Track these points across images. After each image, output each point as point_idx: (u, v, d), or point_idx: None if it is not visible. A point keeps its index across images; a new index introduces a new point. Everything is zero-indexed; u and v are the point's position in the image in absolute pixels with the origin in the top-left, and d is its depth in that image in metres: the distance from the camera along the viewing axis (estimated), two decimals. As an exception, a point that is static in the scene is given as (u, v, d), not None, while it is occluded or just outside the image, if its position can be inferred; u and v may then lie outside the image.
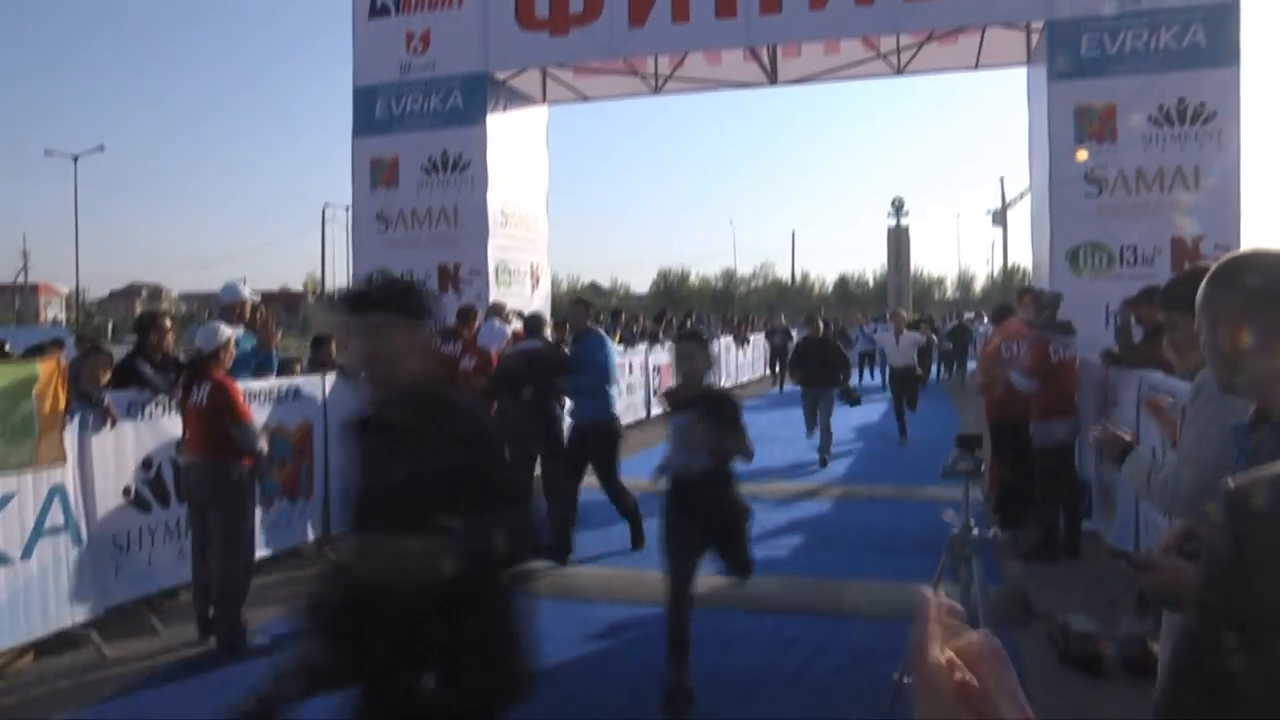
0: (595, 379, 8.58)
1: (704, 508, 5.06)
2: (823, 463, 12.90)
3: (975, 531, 3.58)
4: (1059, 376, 7.96)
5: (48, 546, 6.09)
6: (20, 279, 73.59)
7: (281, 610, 6.97)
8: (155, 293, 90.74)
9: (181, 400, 6.49)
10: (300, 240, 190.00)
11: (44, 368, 6.00)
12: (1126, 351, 7.48)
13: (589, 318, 9.60)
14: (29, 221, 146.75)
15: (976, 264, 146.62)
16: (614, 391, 8.84)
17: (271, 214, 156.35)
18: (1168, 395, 5.84)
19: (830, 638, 6.26)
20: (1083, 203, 9.50)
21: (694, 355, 5.16)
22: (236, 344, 6.88)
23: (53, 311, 75.39)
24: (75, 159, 58.64)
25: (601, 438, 8.63)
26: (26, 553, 5.97)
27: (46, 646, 6.12)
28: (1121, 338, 7.71)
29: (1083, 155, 9.50)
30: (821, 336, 13.90)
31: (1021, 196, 60.13)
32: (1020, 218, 62.25)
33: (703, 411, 4.85)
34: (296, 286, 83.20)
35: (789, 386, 20.86)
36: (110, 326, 59.52)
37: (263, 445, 6.35)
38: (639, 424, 17.42)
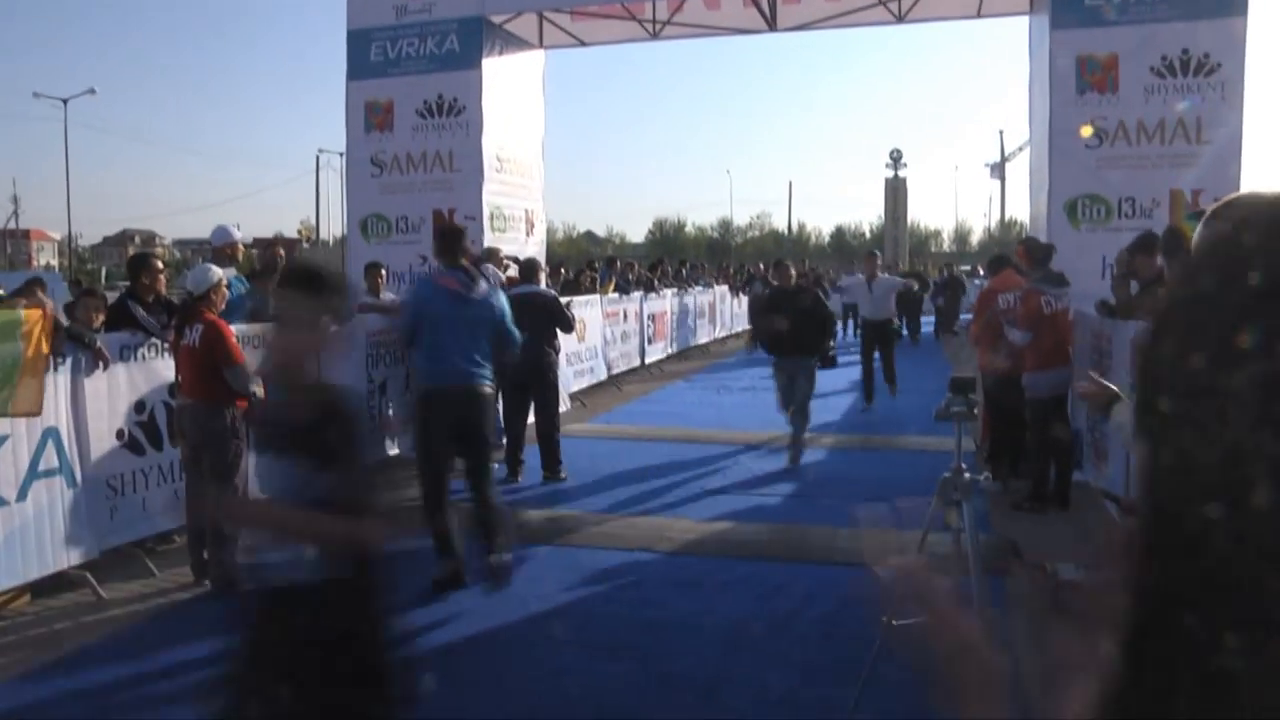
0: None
1: None
2: (793, 460, 9.80)
3: (967, 475, 3.58)
4: (1052, 328, 7.95)
5: (42, 488, 6.11)
6: (11, 225, 73.12)
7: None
8: (149, 239, 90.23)
9: (174, 342, 6.47)
10: (295, 187, 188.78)
11: (29, 315, 5.96)
12: (1123, 303, 7.47)
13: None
14: (19, 167, 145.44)
15: (974, 217, 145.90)
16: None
17: (266, 160, 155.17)
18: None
19: (820, 585, 6.30)
20: (1082, 154, 9.45)
21: None
22: (229, 286, 6.86)
23: (45, 257, 75.07)
24: (65, 102, 57.96)
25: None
26: (21, 495, 5.99)
27: (43, 588, 6.16)
28: (1118, 289, 7.70)
29: (1087, 131, 9.42)
30: (796, 287, 10.55)
31: (1021, 149, 59.90)
32: (1019, 171, 62.02)
33: None
34: (291, 233, 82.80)
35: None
36: (104, 272, 59.28)
37: (256, 387, 6.33)
38: (632, 371, 17.46)
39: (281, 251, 9.95)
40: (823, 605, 5.95)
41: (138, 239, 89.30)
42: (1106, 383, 3.21)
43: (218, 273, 6.48)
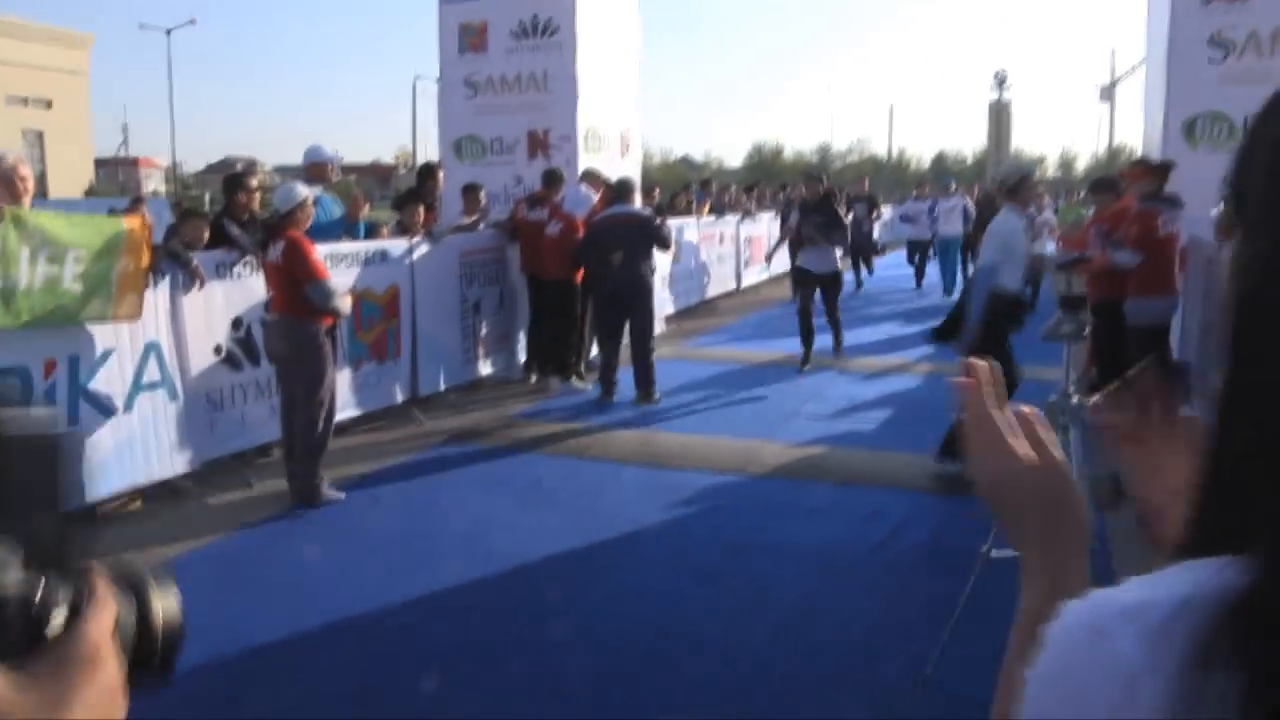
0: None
1: None
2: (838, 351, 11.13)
3: (1075, 399, 3.40)
4: (1161, 251, 7.55)
5: (146, 400, 6.27)
6: (122, 153, 75.18)
7: (368, 468, 7.11)
8: (250, 166, 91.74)
9: (262, 259, 6.53)
10: (392, 114, 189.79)
11: (128, 223, 6.06)
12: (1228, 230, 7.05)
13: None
14: (128, 96, 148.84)
15: (1080, 143, 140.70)
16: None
17: (364, 88, 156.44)
18: None
19: (914, 513, 6.17)
20: (1204, 69, 8.88)
21: None
22: (318, 204, 6.89)
23: (153, 184, 76.86)
24: (168, 33, 59.24)
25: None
26: (128, 405, 6.16)
27: (152, 495, 6.35)
28: (1227, 216, 7.26)
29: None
30: (823, 197, 10.86)
31: (1134, 70, 57.37)
32: (1130, 94, 59.57)
33: None
34: (389, 159, 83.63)
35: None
36: (207, 198, 60.56)
37: (342, 305, 6.35)
38: (728, 295, 17.31)
39: (440, 177, 10.36)
40: (917, 533, 5.83)
41: (239, 166, 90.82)
42: None
43: (303, 190, 6.48)
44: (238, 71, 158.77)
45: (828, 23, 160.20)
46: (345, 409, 7.73)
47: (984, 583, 3.74)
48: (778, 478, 6.94)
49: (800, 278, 11.17)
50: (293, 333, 6.30)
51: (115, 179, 70.84)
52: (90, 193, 53.62)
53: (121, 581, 0.75)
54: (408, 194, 9.89)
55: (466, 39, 11.62)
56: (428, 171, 9.93)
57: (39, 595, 0.68)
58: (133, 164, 79.31)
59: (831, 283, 10.83)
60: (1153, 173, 7.82)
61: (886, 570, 5.33)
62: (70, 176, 58.42)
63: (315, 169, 8.29)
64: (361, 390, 8.04)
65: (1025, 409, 1.01)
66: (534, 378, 10.07)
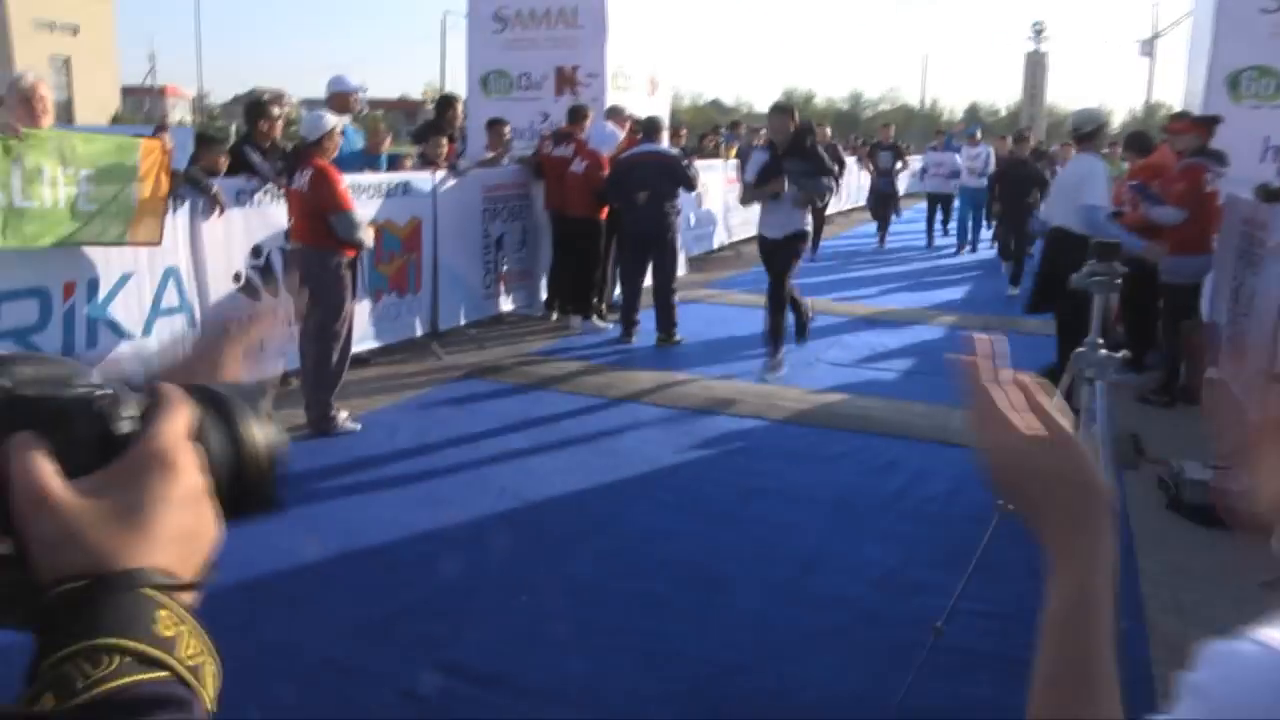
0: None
1: None
2: (774, 363, 8.18)
3: (1103, 351, 3.30)
4: (1204, 208, 7.38)
5: (165, 325, 6.26)
6: (149, 82, 74.87)
7: (385, 401, 7.10)
8: (277, 97, 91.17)
9: (286, 187, 6.47)
10: (421, 49, 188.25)
11: (145, 146, 6.00)
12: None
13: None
14: (156, 25, 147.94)
15: (1117, 98, 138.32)
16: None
17: (393, 22, 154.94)
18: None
19: (931, 463, 6.12)
20: (1255, 20, 8.58)
21: None
22: (343, 135, 6.81)
23: (179, 113, 76.66)
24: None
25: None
26: (147, 330, 6.17)
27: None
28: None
29: None
30: (797, 135, 7.85)
31: (1176, 23, 56.09)
32: (1170, 50, 58.48)
33: None
34: (416, 95, 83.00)
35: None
36: (233, 129, 60.49)
37: (365, 237, 6.30)
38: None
39: (459, 108, 10.16)
40: (933, 485, 5.78)
41: (267, 96, 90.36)
42: None
43: (331, 119, 6.40)
44: (267, 2, 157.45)
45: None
46: (364, 341, 7.72)
47: (999, 537, 3.69)
48: (795, 424, 6.89)
49: (762, 250, 8.47)
50: (313, 263, 6.26)
51: (142, 108, 70.67)
52: (116, 120, 53.59)
53: (208, 404, 0.67)
54: (427, 126, 9.78)
55: (496, -29, 11.45)
56: (446, 103, 9.78)
57: (105, 399, 0.62)
58: (159, 93, 79.10)
59: (784, 248, 8.14)
60: (1198, 127, 7.63)
61: (900, 519, 5.29)
62: (97, 104, 58.40)
63: (338, 99, 8.18)
64: (381, 323, 8.01)
65: (1023, 377, 0.95)
66: (555, 315, 10.02)
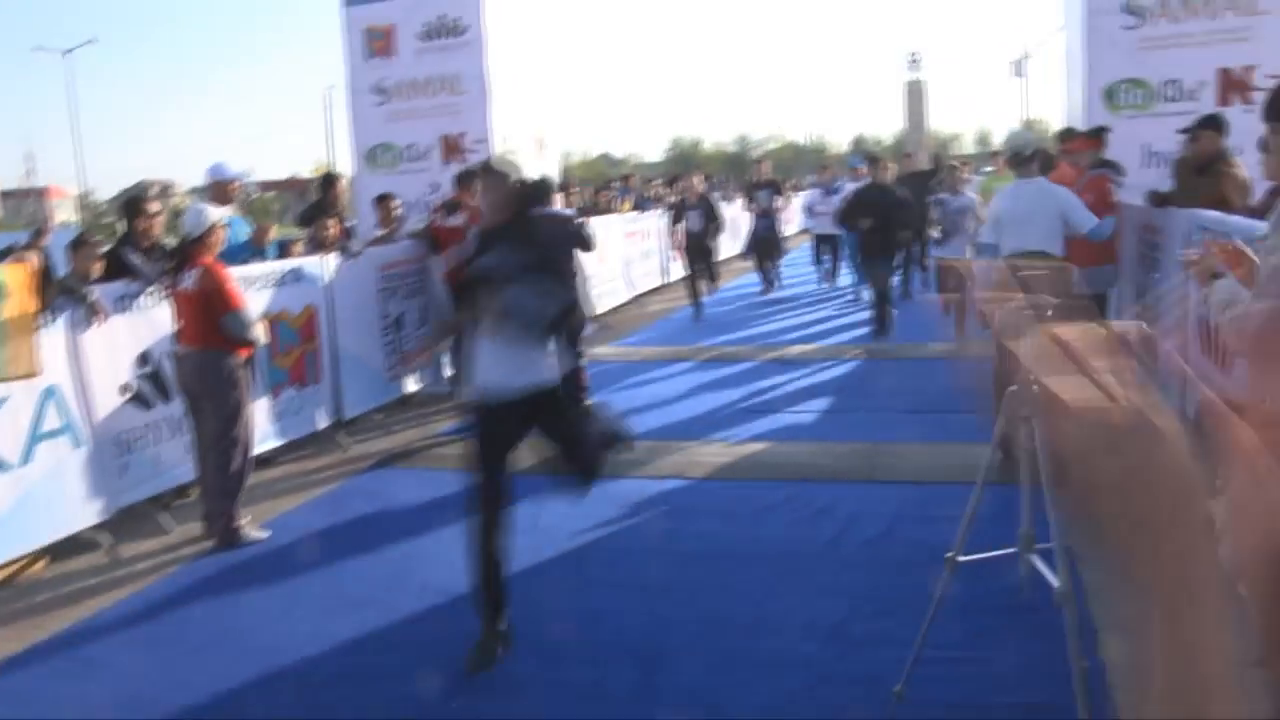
0: None
1: None
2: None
3: (1037, 388, 3.21)
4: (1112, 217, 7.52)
5: (48, 450, 5.84)
6: (28, 183, 73.11)
7: (293, 502, 6.76)
8: (165, 189, 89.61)
9: (171, 289, 6.15)
10: (308, 125, 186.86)
11: (10, 275, 5.64)
12: (1182, 189, 6.97)
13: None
14: (32, 123, 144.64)
15: (995, 118, 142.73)
16: None
17: (277, 100, 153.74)
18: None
19: (865, 504, 6.00)
20: (1120, 35, 8.88)
21: None
22: (228, 226, 6.54)
23: (64, 214, 74.76)
24: (65, 54, 57.83)
25: None
26: (26, 458, 5.73)
27: (59, 551, 5.93)
28: (1179, 172, 7.19)
29: None
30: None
31: (1043, 45, 58.24)
32: (1040, 68, 60.63)
33: None
34: (306, 173, 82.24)
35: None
36: (121, 226, 59.10)
37: (258, 334, 6.02)
38: (657, 290, 17.11)
39: (344, 185, 9.73)
40: (868, 528, 5.65)
41: (155, 189, 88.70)
42: (1217, 248, 2.88)
43: (214, 213, 6.13)
44: (147, 92, 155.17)
45: (739, 14, 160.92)
46: (266, 440, 7.37)
47: (948, 578, 3.56)
48: (719, 479, 6.74)
49: None
50: (207, 366, 5.95)
51: (22, 211, 68.78)
52: (-6, 227, 52.02)
53: None
54: (313, 208, 9.49)
55: (373, 43, 11.31)
56: (329, 182, 9.50)
57: None
58: (41, 194, 77.12)
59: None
60: (1092, 141, 7.86)
61: (841, 568, 5.14)
62: (-27, 211, 56.61)
63: (218, 189, 7.88)
64: (283, 418, 7.67)
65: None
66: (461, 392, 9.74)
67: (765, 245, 16.09)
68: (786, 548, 5.45)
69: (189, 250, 5.99)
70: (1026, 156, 6.95)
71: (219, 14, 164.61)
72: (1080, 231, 6.75)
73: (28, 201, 72.50)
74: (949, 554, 3.42)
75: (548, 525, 5.95)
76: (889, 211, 11.38)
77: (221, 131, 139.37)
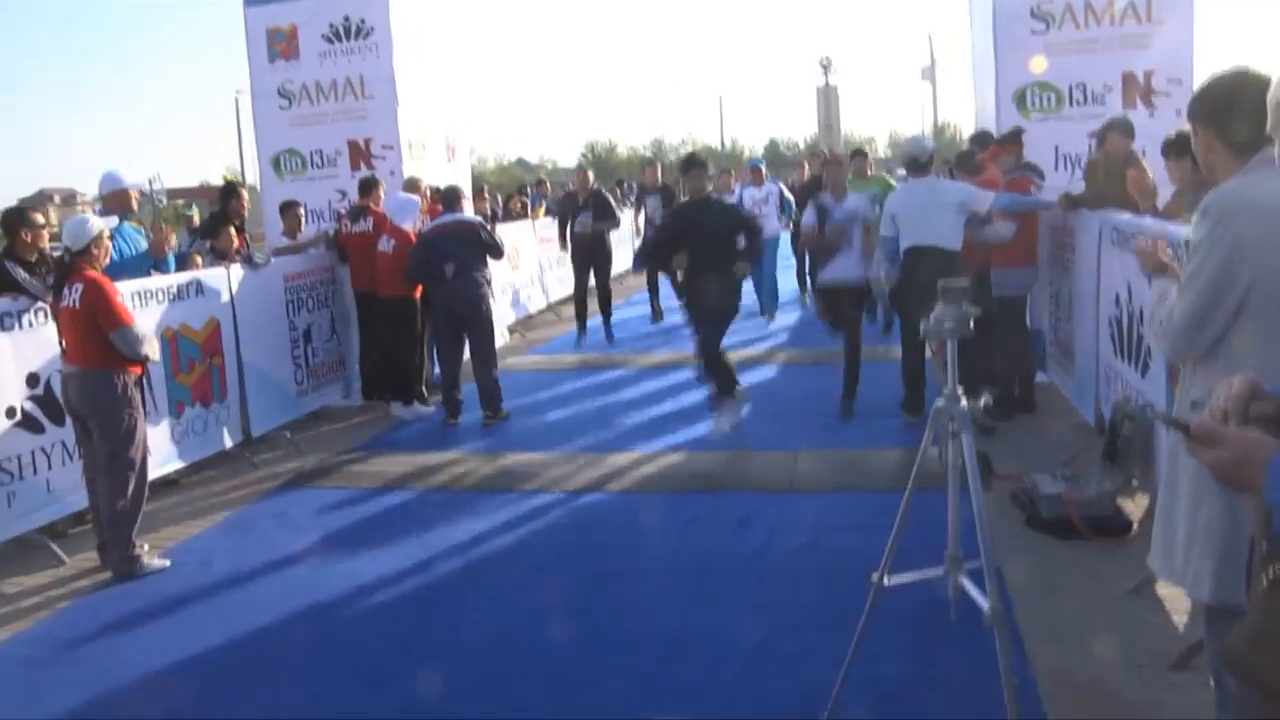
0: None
1: None
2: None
3: (963, 403, 3.14)
4: (1030, 220, 7.58)
5: (-74, 481, 5.52)
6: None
7: (197, 527, 6.46)
8: (69, 196, 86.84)
9: (54, 304, 5.82)
10: (217, 129, 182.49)
11: None
12: (1093, 191, 7.03)
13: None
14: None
15: (907, 123, 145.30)
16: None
17: (185, 103, 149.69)
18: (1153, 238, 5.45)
19: (786, 514, 5.92)
20: (1029, 40, 8.95)
21: None
22: (117, 236, 6.24)
23: (-42, 219, 72.26)
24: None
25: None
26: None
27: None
28: (1090, 175, 7.27)
29: (1040, 64, 8.95)
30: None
31: (951, 52, 59.39)
32: (949, 74, 62.01)
33: None
34: (216, 180, 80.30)
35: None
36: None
37: (149, 350, 5.72)
38: (570, 298, 16.90)
39: (246, 196, 9.33)
40: (791, 538, 5.56)
41: (57, 198, 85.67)
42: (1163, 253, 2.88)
43: (97, 224, 5.80)
44: (48, 95, 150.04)
45: (652, 16, 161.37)
46: (168, 462, 7.09)
47: (878, 609, 3.47)
48: (637, 491, 6.61)
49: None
50: (94, 386, 5.63)
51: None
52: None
53: None
54: (214, 218, 9.15)
55: (276, 45, 10.95)
56: (230, 191, 9.16)
57: None
58: (-69, 203, 74.26)
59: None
60: (1009, 145, 7.96)
61: (764, 582, 5.04)
62: None
63: (113, 198, 7.52)
64: (186, 439, 7.35)
65: None
66: (373, 404, 9.50)
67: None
68: (708, 561, 5.33)
69: (72, 263, 5.69)
70: (923, 163, 7.37)
71: (124, 14, 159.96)
72: (982, 209, 7.03)
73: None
74: (874, 574, 3.33)
75: (463, 544, 5.79)
76: (715, 238, 7.73)
77: (128, 137, 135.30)
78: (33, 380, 6.23)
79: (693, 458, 7.26)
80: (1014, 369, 7.70)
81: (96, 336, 5.52)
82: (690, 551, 5.49)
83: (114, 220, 7.12)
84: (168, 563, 5.79)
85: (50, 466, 6.28)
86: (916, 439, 7.08)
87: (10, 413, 6.07)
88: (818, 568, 5.12)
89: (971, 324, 3.25)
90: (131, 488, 5.66)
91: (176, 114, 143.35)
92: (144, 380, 6.01)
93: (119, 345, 5.51)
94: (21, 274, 6.35)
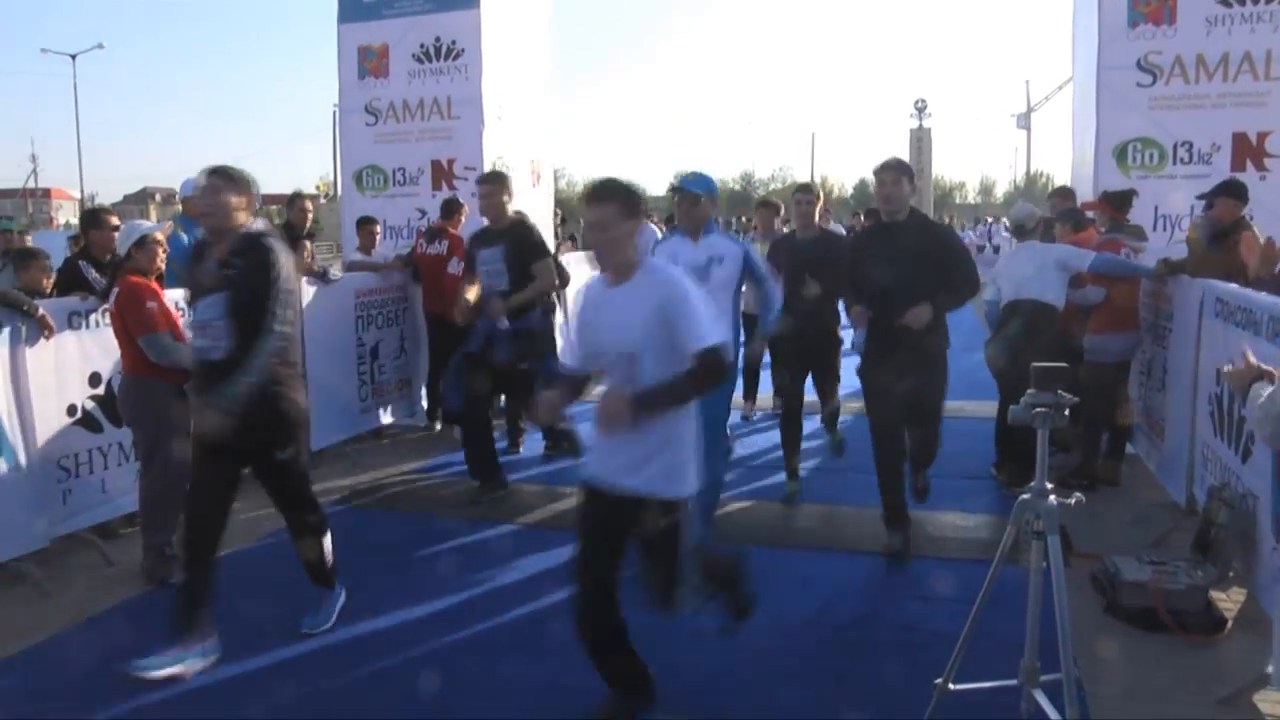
0: None
1: None
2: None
3: (1054, 499, 2.81)
4: (1125, 284, 7.19)
5: (-19, 471, 5.49)
6: (31, 184, 73.23)
7: (247, 540, 6.36)
8: (169, 195, 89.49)
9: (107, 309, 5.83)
10: (314, 142, 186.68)
11: None
12: (1196, 257, 6.64)
13: None
14: (35, 126, 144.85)
15: (998, 169, 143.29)
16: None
17: (286, 115, 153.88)
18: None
19: (847, 576, 5.62)
20: (1134, 93, 8.55)
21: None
22: (171, 241, 6.20)
23: (65, 216, 74.63)
24: (73, 58, 57.87)
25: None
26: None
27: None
28: (1194, 241, 6.86)
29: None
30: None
31: (1048, 99, 58.47)
32: (1044, 122, 61.01)
33: None
34: (311, 189, 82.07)
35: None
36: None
37: (182, 358, 5.61)
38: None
39: (309, 207, 9.29)
40: (850, 604, 5.26)
41: (158, 196, 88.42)
42: (1253, 360, 2.55)
43: (143, 227, 5.76)
44: (155, 97, 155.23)
45: (750, 53, 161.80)
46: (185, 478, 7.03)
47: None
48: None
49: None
50: (130, 392, 5.66)
51: (25, 211, 68.78)
52: (-9, 226, 51.89)
53: None
54: (283, 229, 9.13)
55: (366, 63, 11.02)
56: (293, 201, 9.12)
57: None
58: (44, 195, 77.11)
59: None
60: (1112, 202, 7.62)
61: (818, 654, 4.73)
62: (-26, 208, 56.88)
63: (188, 203, 7.56)
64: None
65: None
66: (438, 426, 9.38)
67: None
68: (762, 624, 5.04)
69: (118, 267, 5.68)
70: (1029, 229, 7.34)
71: (233, 24, 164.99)
72: (1082, 267, 6.86)
73: (30, 202, 72.64)
74: (938, 680, 3.03)
75: (511, 583, 5.59)
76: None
77: (230, 142, 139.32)
78: (94, 380, 6.23)
79: (760, 507, 6.98)
80: (1099, 438, 7.30)
81: (132, 342, 5.49)
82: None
83: (167, 225, 7.09)
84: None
85: (106, 466, 6.27)
86: (986, 504, 6.80)
87: (71, 410, 6.06)
88: (876, 640, 4.80)
89: (1067, 413, 2.90)
90: (158, 494, 5.59)
91: (282, 123, 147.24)
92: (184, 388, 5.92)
93: (147, 351, 5.47)
94: (93, 274, 6.37)
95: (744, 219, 31.78)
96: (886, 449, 5.93)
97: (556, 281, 7.56)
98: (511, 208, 8.38)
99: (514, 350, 6.98)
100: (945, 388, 5.92)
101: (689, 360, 3.12)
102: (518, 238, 7.11)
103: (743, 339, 6.84)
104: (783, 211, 9.07)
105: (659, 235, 7.78)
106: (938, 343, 5.79)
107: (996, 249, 17.70)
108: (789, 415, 7.35)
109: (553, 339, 7.82)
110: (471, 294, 7.16)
